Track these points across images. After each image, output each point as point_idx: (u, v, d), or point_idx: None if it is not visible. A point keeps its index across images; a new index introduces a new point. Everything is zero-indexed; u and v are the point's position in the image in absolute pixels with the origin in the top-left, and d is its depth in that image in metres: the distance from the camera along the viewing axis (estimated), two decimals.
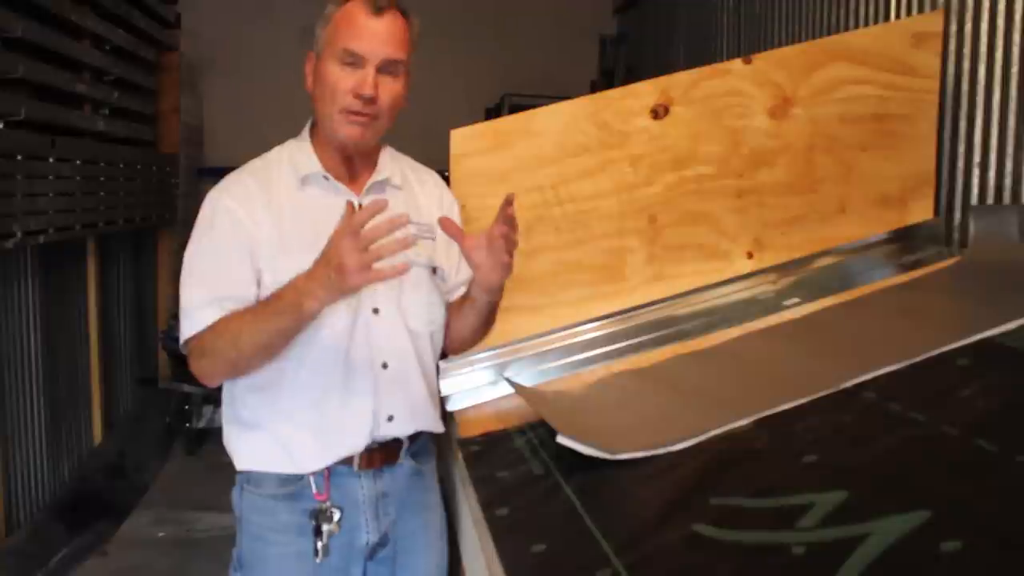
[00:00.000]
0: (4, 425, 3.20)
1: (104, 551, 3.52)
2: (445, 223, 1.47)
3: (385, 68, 1.45)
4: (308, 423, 1.47)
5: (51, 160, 3.30)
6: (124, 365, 4.65)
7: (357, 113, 1.45)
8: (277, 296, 1.37)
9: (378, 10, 1.44)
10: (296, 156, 1.52)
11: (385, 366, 1.51)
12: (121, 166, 4.18)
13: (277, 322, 1.36)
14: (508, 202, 1.42)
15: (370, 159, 1.55)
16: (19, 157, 3.02)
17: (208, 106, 6.39)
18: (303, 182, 1.50)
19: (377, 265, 1.26)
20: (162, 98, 5.03)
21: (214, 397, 4.68)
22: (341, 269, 1.26)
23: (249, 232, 1.44)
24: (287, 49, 6.51)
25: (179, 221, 5.35)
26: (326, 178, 1.51)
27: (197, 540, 3.63)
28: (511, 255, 1.46)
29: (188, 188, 5.75)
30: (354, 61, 1.44)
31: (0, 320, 3.21)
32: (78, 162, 3.59)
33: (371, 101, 1.44)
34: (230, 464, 1.54)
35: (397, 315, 1.52)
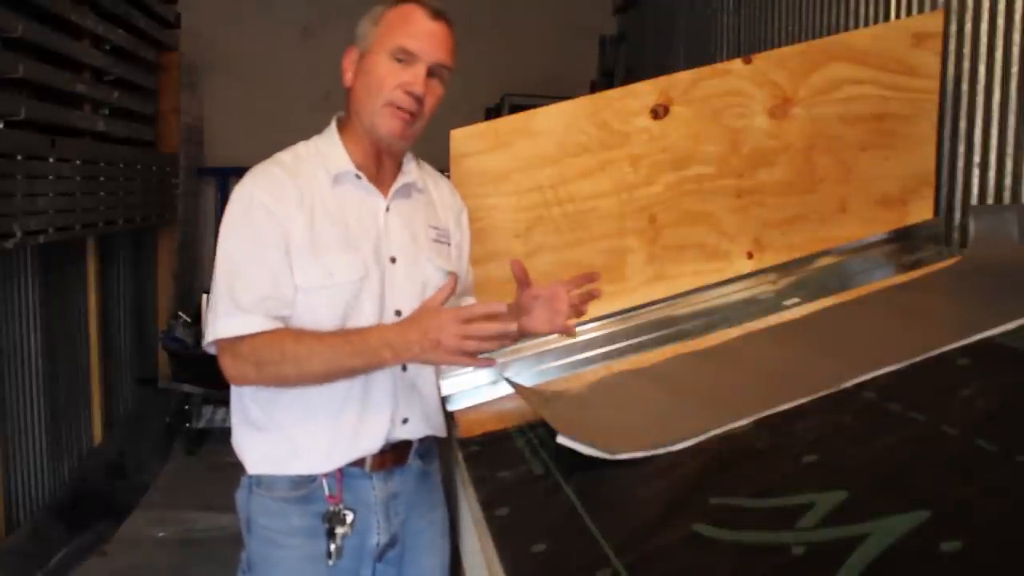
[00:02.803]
0: (4, 425, 3.20)
1: (104, 551, 3.52)
2: (517, 268, 1.49)
3: (434, 71, 1.47)
4: (327, 424, 1.47)
5: (51, 160, 3.30)
6: (124, 365, 4.65)
7: (401, 109, 1.45)
8: (360, 337, 1.38)
9: (435, 15, 1.47)
10: (327, 153, 1.51)
11: (404, 369, 1.52)
12: (121, 166, 4.18)
13: (352, 362, 1.38)
14: (592, 279, 1.50)
15: (396, 161, 1.56)
16: (19, 157, 3.02)
17: (208, 106, 6.39)
18: (335, 180, 1.49)
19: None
20: (162, 98, 5.03)
21: (214, 397, 4.69)
22: (436, 344, 1.32)
23: (284, 228, 1.43)
24: (287, 49, 6.56)
25: (179, 221, 5.36)
26: (358, 177, 1.50)
27: (197, 540, 3.63)
28: (571, 323, 1.50)
29: (188, 188, 5.76)
30: (407, 59, 1.45)
31: (0, 320, 3.21)
32: (78, 162, 3.59)
33: (418, 100, 1.46)
34: (230, 464, 1.54)
35: None
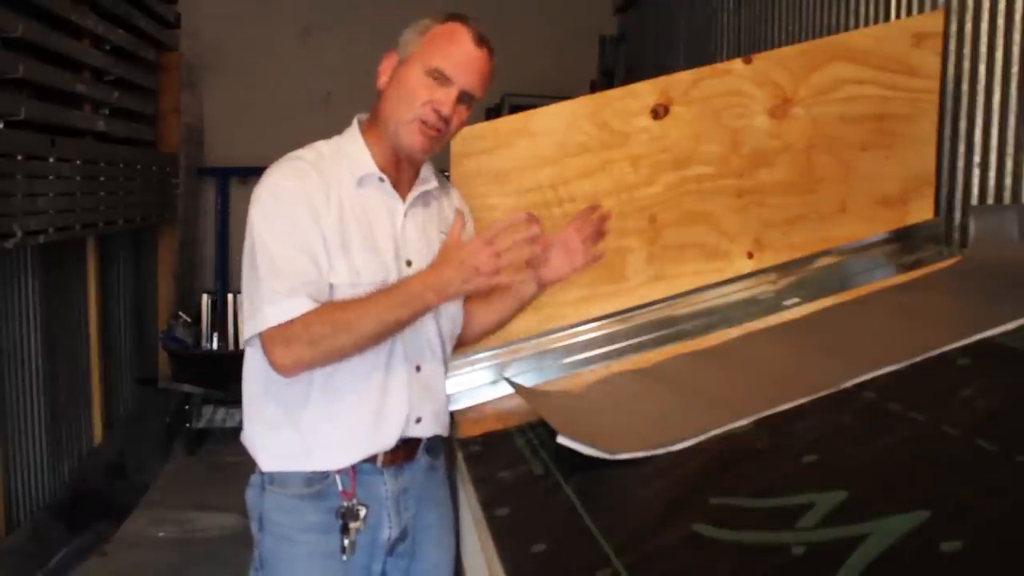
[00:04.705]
0: (4, 425, 3.20)
1: (104, 551, 3.52)
2: (527, 216, 1.53)
3: (464, 97, 1.49)
4: (344, 421, 1.49)
5: (51, 160, 3.30)
6: (124, 365, 4.64)
7: (428, 126, 1.48)
8: (401, 288, 1.43)
9: (480, 42, 1.51)
10: (351, 154, 1.53)
11: (418, 369, 1.55)
12: (121, 166, 4.18)
13: (399, 313, 1.42)
14: (593, 209, 1.65)
15: (414, 167, 1.58)
16: (19, 157, 3.02)
17: (208, 106, 6.39)
18: (359, 182, 1.51)
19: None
20: (162, 98, 5.03)
21: (214, 397, 4.69)
22: (475, 271, 1.38)
23: (317, 215, 1.45)
24: (287, 49, 6.55)
25: (179, 221, 5.36)
26: (381, 180, 1.53)
27: (197, 540, 3.62)
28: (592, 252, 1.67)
29: (188, 188, 5.75)
30: (441, 79, 1.47)
31: (0, 320, 3.21)
32: (78, 162, 3.59)
33: (446, 120, 1.48)
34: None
35: (432, 319, 1.56)
